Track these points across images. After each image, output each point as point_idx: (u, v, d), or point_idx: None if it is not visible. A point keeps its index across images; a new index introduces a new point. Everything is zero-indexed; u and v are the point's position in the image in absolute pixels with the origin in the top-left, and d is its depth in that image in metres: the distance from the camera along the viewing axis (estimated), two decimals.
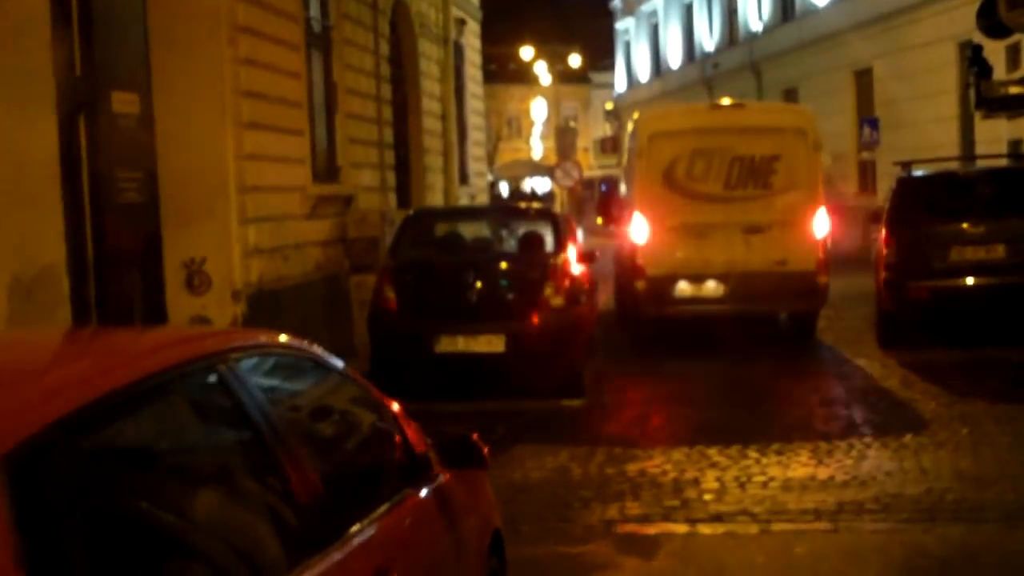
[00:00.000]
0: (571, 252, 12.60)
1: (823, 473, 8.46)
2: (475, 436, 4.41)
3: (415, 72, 19.52)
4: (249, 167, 11.88)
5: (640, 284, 14.75)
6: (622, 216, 16.74)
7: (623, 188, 18.28)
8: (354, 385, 4.20)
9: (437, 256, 12.78)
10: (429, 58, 20.41)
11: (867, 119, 27.71)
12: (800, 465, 8.73)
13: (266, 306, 12.05)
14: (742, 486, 8.24)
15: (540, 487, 8.41)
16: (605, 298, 18.76)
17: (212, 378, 3.25)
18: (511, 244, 13.40)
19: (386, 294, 11.76)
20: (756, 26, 38.07)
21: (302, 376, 3.98)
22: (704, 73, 42.49)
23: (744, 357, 14.29)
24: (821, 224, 14.63)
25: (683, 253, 14.61)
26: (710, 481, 8.38)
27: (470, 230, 13.79)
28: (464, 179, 23.48)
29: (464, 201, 23.03)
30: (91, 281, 9.49)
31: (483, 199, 25.60)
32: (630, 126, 18.22)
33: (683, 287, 14.60)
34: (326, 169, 14.72)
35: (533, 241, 12.66)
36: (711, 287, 14.59)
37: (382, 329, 11.86)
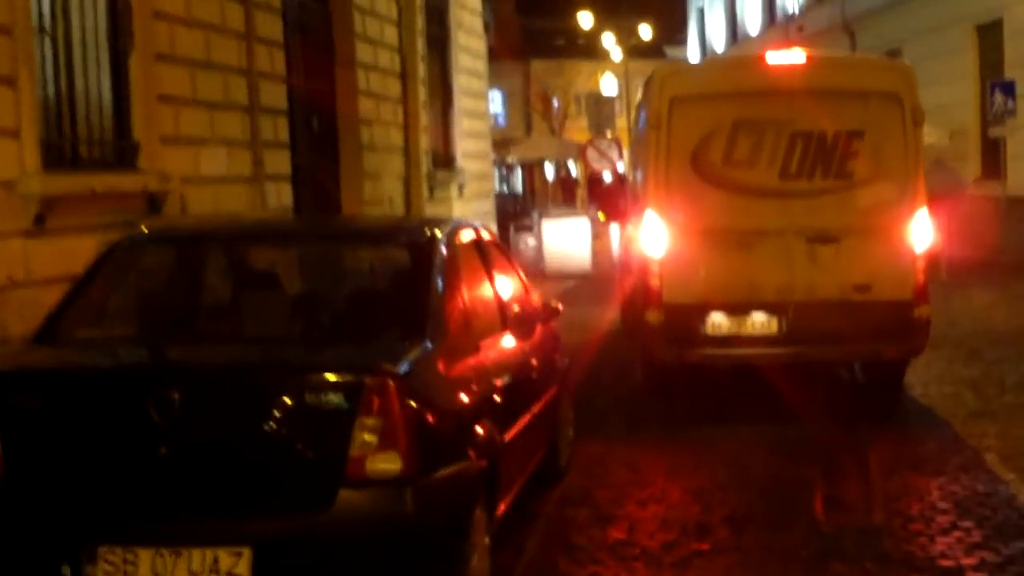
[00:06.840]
0: (465, 325, 5.82)
1: None
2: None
3: (346, 7, 13.33)
4: None
5: (654, 316, 10.33)
6: (630, 212, 12.19)
7: (632, 174, 12.80)
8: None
9: (114, 354, 5.68)
10: None
11: (998, 83, 21.47)
12: None
13: None
14: None
15: None
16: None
17: None
18: (309, 320, 6.12)
19: None
20: None
21: None
22: (788, 37, 36.91)
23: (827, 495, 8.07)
24: (922, 232, 10.26)
25: (718, 272, 10.31)
26: None
27: (230, 286, 6.45)
28: (447, 162, 17.23)
29: (451, 194, 16.83)
30: None
31: (483, 188, 19.28)
32: (640, 90, 12.53)
33: (717, 321, 10.35)
34: (111, 147, 8.65)
35: (356, 315, 5.97)
36: (759, 322, 10.31)
37: None
